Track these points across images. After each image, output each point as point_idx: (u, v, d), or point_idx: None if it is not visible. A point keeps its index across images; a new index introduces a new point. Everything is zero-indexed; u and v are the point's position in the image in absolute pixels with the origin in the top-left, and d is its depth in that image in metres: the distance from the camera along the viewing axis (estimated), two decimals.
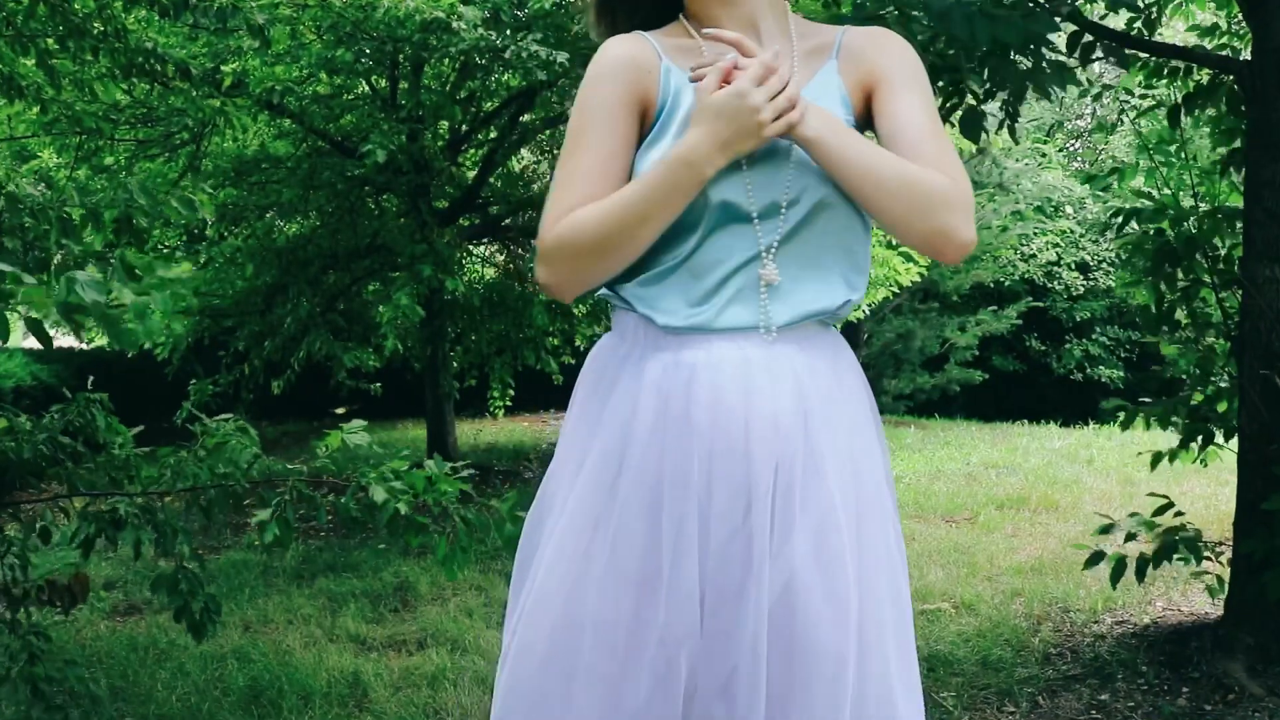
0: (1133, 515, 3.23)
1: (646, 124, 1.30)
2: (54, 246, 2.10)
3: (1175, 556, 3.05)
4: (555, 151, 7.60)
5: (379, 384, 8.13)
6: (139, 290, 1.63)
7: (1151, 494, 3.34)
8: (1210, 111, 3.37)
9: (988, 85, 2.82)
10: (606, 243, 1.23)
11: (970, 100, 2.80)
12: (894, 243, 8.25)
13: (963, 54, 2.64)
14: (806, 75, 1.31)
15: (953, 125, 2.96)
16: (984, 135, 2.86)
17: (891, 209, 1.21)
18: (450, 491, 2.15)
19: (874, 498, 1.27)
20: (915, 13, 2.51)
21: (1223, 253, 3.38)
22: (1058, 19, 2.70)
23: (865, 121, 1.33)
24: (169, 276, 1.67)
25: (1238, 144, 3.29)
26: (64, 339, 10.82)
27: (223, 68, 5.32)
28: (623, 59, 1.29)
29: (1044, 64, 2.65)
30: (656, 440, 1.22)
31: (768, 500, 1.19)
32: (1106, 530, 3.18)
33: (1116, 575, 3.08)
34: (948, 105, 2.85)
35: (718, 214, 1.24)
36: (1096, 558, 3.10)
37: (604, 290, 1.32)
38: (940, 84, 2.78)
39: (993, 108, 3.02)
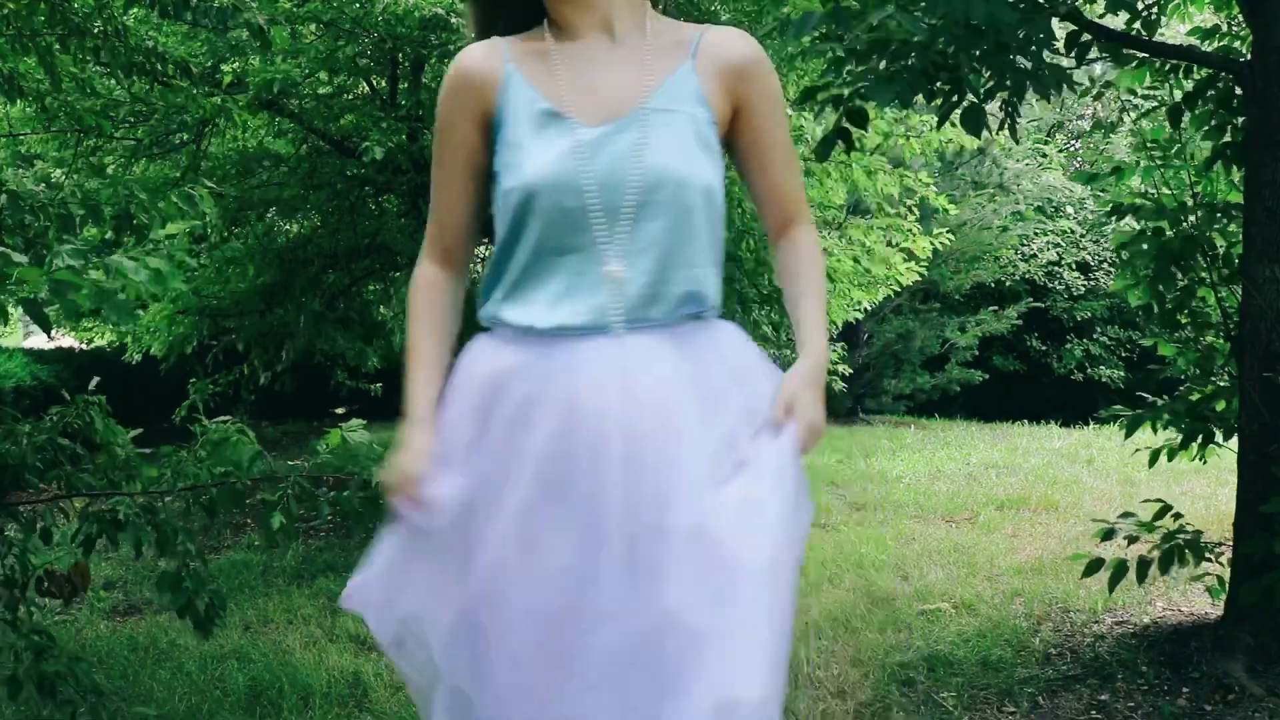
0: (1126, 515, 3.23)
1: (489, 131, 1.35)
2: (54, 243, 2.10)
3: (1177, 563, 3.05)
4: None
5: (379, 384, 8.13)
6: (139, 260, 1.63)
7: (1147, 500, 3.34)
8: (1205, 108, 3.37)
9: (988, 84, 2.82)
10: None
11: (971, 98, 2.80)
12: (894, 242, 8.25)
13: (963, 54, 2.64)
14: (662, 73, 1.33)
15: (954, 124, 2.96)
16: (984, 134, 2.87)
17: None
18: None
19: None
20: (916, 12, 2.51)
21: (1222, 252, 3.38)
22: (1055, 19, 2.71)
23: (727, 126, 1.38)
24: (164, 268, 1.67)
25: (1228, 138, 3.29)
26: (64, 339, 10.82)
27: (223, 66, 5.32)
28: (459, 75, 1.35)
29: (1043, 65, 2.65)
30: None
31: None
32: (1107, 536, 3.18)
33: (1115, 580, 3.08)
34: (948, 104, 2.85)
35: None
36: (1095, 565, 3.09)
37: None
38: (940, 83, 2.78)
39: (992, 107, 3.02)
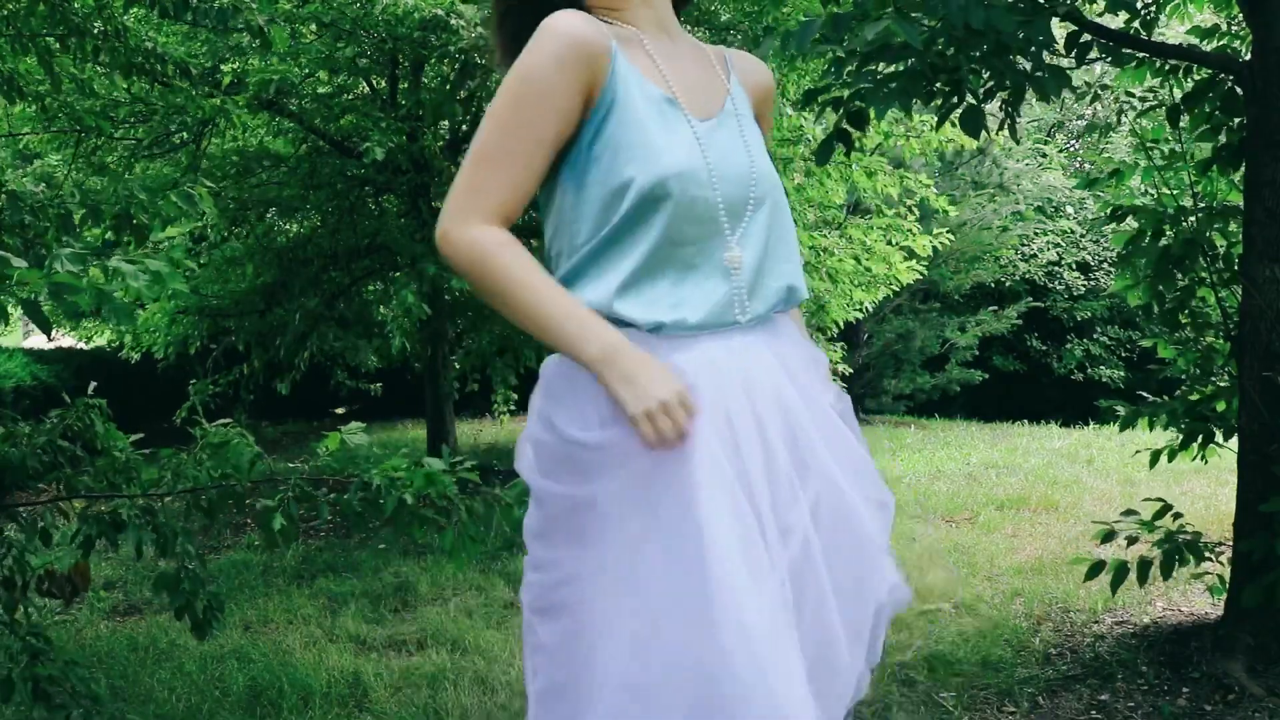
0: (1129, 513, 3.23)
1: (589, 108, 1.27)
2: (54, 244, 2.10)
3: (1177, 564, 3.05)
4: None
5: (379, 384, 8.13)
6: (138, 264, 1.63)
7: (1148, 499, 3.34)
8: (1203, 109, 3.37)
9: (988, 84, 2.82)
10: (501, 308, 1.25)
11: (970, 100, 2.80)
12: (894, 241, 8.25)
13: (963, 55, 2.64)
14: (725, 78, 1.41)
15: (953, 124, 2.96)
16: (985, 135, 2.87)
17: None
18: (448, 482, 2.15)
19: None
20: (915, 14, 2.51)
21: (1222, 252, 3.38)
22: (1055, 18, 2.70)
23: None
24: (163, 270, 1.67)
25: (1223, 139, 3.29)
26: (65, 339, 10.82)
27: (222, 67, 5.32)
28: (574, 40, 1.23)
29: (1043, 66, 2.65)
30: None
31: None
32: (1108, 538, 3.18)
33: (1117, 582, 3.09)
34: (947, 105, 2.85)
35: None
36: (1097, 568, 3.09)
37: None
38: (939, 84, 2.78)
39: (992, 107, 3.02)
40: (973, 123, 2.74)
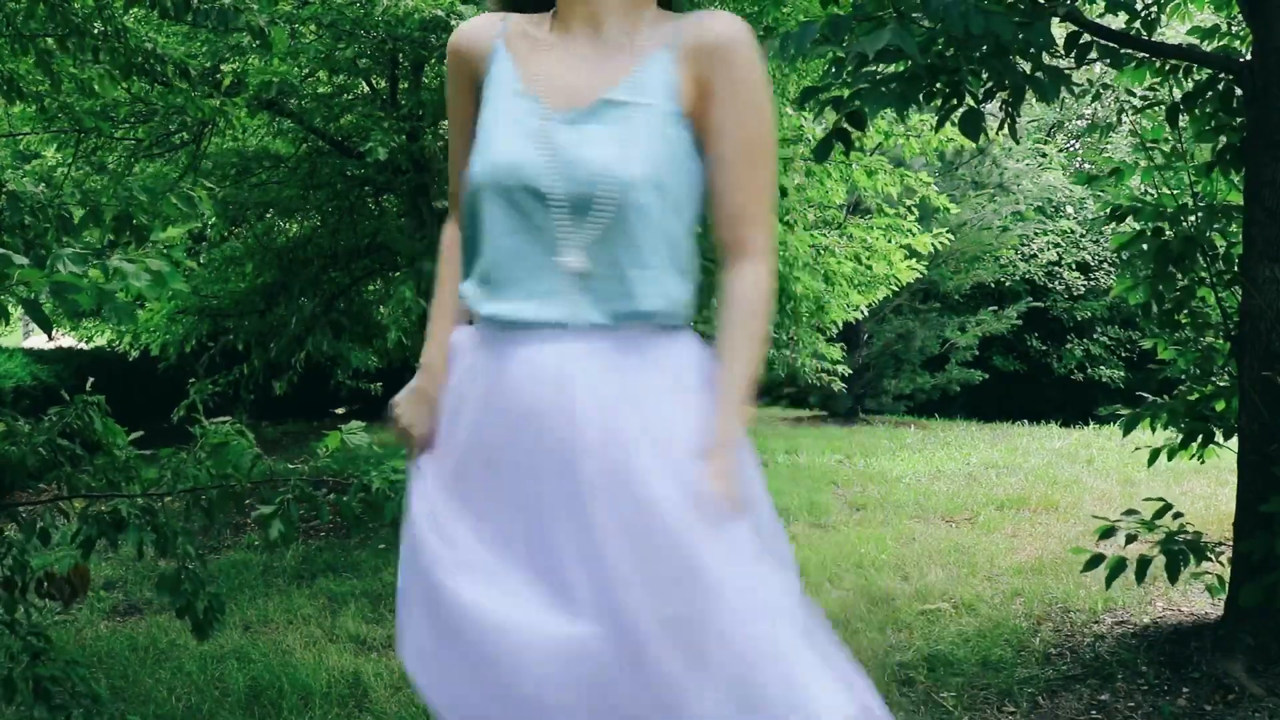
0: (1130, 513, 3.23)
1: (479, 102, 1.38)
2: (54, 244, 2.10)
3: (1181, 565, 3.05)
4: None
5: (379, 384, 8.12)
6: (138, 264, 1.63)
7: (1148, 499, 3.34)
8: (1204, 110, 3.38)
9: (988, 85, 2.82)
10: None
11: (970, 102, 2.80)
12: (894, 240, 8.25)
13: (962, 56, 2.64)
14: (635, 64, 1.28)
15: (953, 123, 2.95)
16: (984, 135, 2.86)
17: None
18: None
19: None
20: (915, 15, 2.51)
21: (1222, 252, 3.38)
22: (1055, 18, 2.70)
23: (697, 115, 1.28)
24: (164, 270, 1.67)
25: (1224, 140, 3.29)
26: (65, 339, 10.82)
27: (222, 67, 5.31)
28: (455, 46, 1.39)
29: (1042, 67, 2.65)
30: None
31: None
32: (1107, 534, 3.18)
33: (1112, 577, 3.09)
34: (946, 106, 2.85)
35: None
36: (1096, 560, 3.10)
37: None
38: (939, 85, 2.78)
39: (992, 107, 3.02)
40: (972, 125, 2.74)
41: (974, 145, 10.06)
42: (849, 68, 2.65)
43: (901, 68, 2.72)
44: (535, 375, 1.22)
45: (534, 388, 1.22)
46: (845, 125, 2.87)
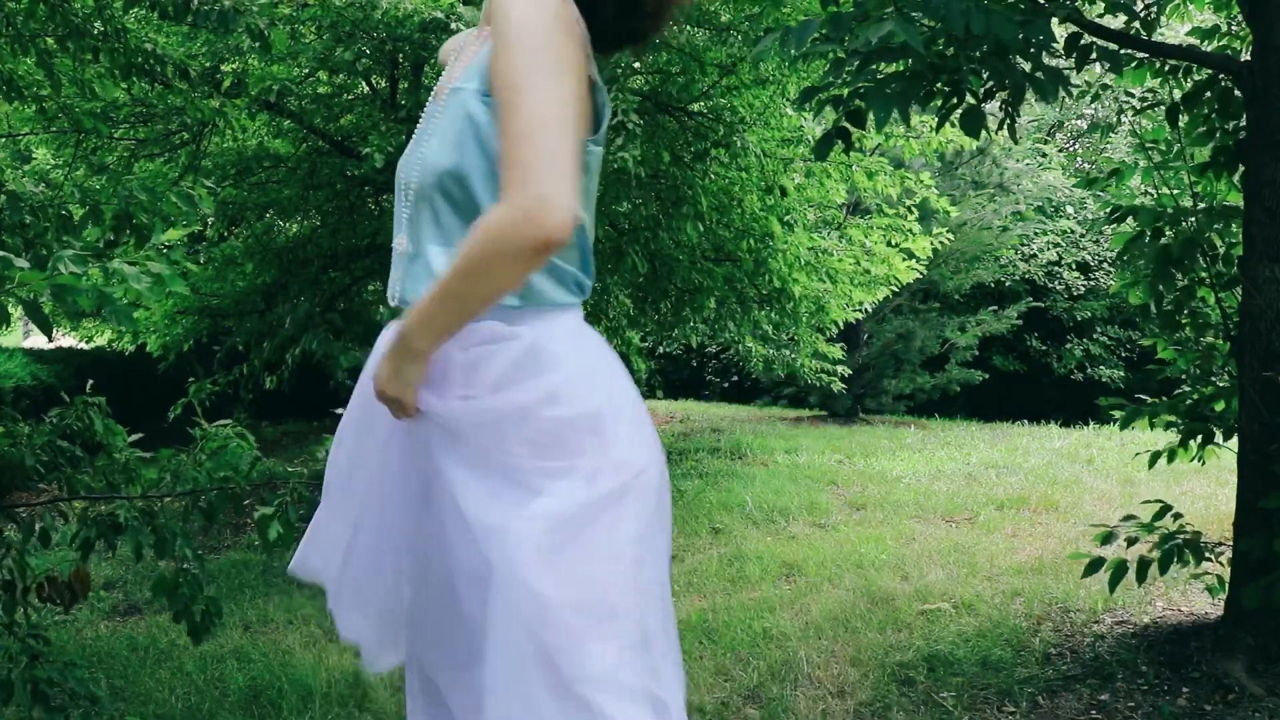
0: (1129, 519, 3.23)
1: None
2: (54, 244, 2.10)
3: (1177, 562, 3.05)
4: None
5: None
6: (139, 265, 1.63)
7: (1146, 501, 3.34)
8: (1202, 111, 3.38)
9: (988, 84, 2.82)
10: None
11: (970, 101, 2.80)
12: (894, 241, 8.25)
13: (962, 55, 2.64)
14: (473, 52, 1.35)
15: (953, 124, 2.95)
16: (985, 135, 2.86)
17: (488, 280, 1.17)
18: None
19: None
20: (915, 13, 2.51)
21: (1221, 252, 3.38)
22: (1055, 18, 2.70)
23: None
24: (164, 272, 1.67)
25: (1217, 141, 3.29)
26: (65, 339, 10.82)
27: (222, 67, 5.31)
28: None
29: (1042, 67, 2.65)
30: None
31: None
32: (1107, 540, 3.18)
33: (1115, 580, 3.08)
34: (947, 105, 2.84)
35: None
36: (1096, 565, 3.09)
37: None
38: (940, 84, 2.78)
39: (992, 107, 3.01)
40: (973, 123, 2.73)
41: (974, 145, 10.07)
42: (850, 66, 2.65)
43: (902, 66, 2.71)
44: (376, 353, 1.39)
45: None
46: (845, 124, 2.87)
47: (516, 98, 1.16)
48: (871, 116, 2.68)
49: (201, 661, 3.28)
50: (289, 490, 2.19)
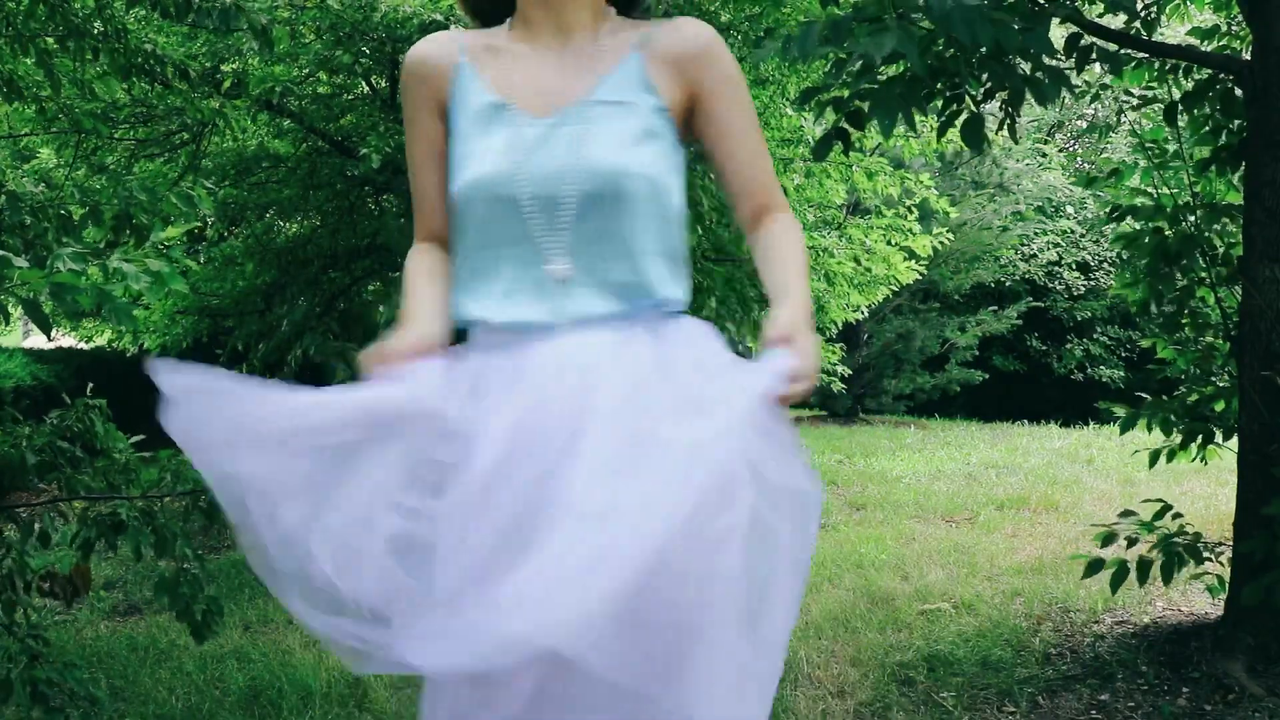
0: (1127, 514, 3.23)
1: (447, 124, 1.36)
2: (54, 244, 2.10)
3: (1177, 568, 3.05)
4: None
5: None
6: (138, 264, 1.63)
7: (1147, 500, 3.34)
8: (1202, 111, 3.37)
9: (987, 85, 2.82)
10: None
11: (970, 106, 2.80)
12: (894, 241, 8.25)
13: (962, 60, 2.64)
14: (610, 66, 1.33)
15: (955, 127, 2.95)
16: (984, 134, 2.86)
17: None
18: None
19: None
20: (915, 14, 2.51)
21: (1221, 252, 3.38)
22: (1055, 19, 2.70)
23: (683, 114, 1.36)
24: (164, 270, 1.67)
25: (1222, 141, 3.29)
26: (65, 339, 10.81)
27: (223, 67, 5.31)
28: (413, 66, 1.36)
29: (1042, 70, 2.64)
30: None
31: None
32: (1108, 541, 3.18)
33: (1117, 581, 3.08)
34: (947, 113, 2.84)
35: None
36: (1096, 566, 3.10)
37: None
38: (939, 87, 2.77)
39: (992, 107, 3.01)
40: (974, 134, 2.73)
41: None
42: (852, 67, 2.65)
43: (902, 68, 2.71)
44: (560, 363, 1.21)
45: (559, 374, 1.20)
46: (845, 125, 2.87)
47: (761, 137, 1.40)
48: (875, 121, 2.67)
49: (201, 661, 3.28)
50: None
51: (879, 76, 2.71)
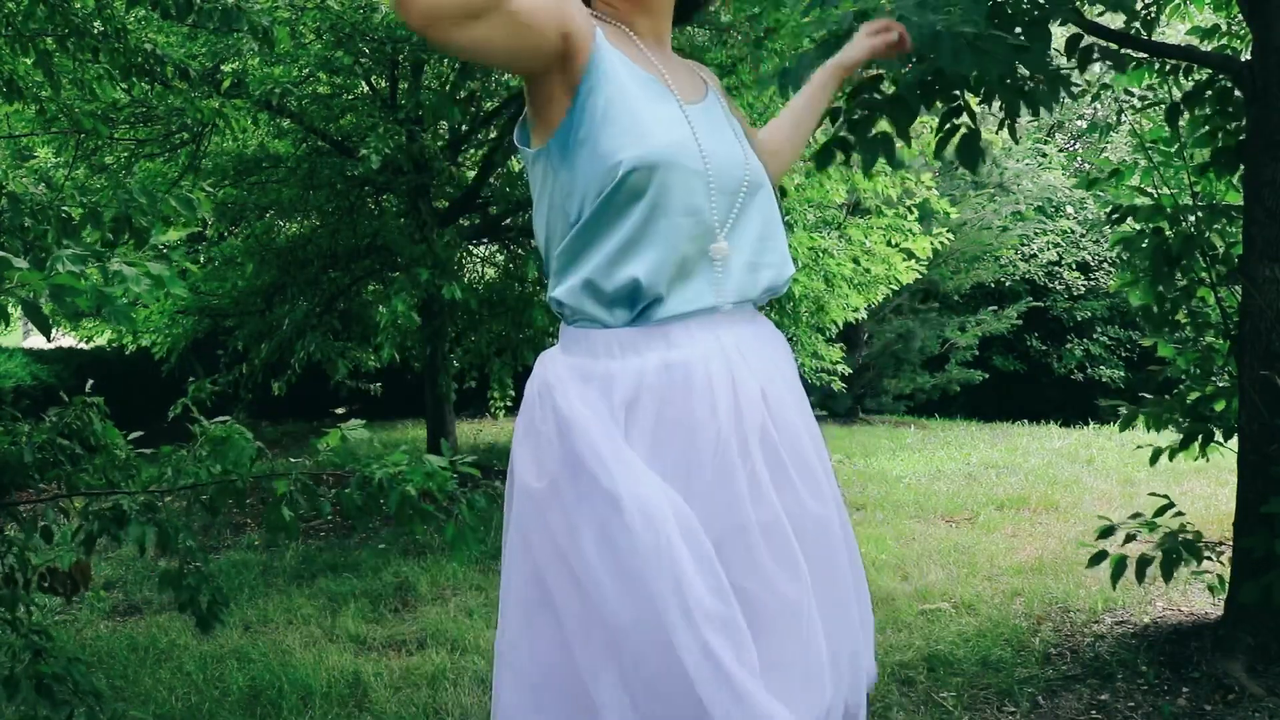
0: (1134, 516, 3.24)
1: (573, 82, 1.23)
2: (54, 246, 2.10)
3: (1179, 563, 3.05)
4: None
5: (379, 384, 8.13)
6: (138, 267, 1.63)
7: (1152, 494, 3.34)
8: (1202, 111, 3.38)
9: (982, 95, 2.81)
10: None
11: (969, 122, 2.79)
12: (894, 241, 8.25)
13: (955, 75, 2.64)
14: (699, 80, 1.44)
15: (952, 134, 2.94)
16: (983, 134, 2.86)
17: None
18: (448, 477, 2.16)
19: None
20: (914, 17, 2.51)
21: (1221, 252, 3.39)
22: (1055, 20, 2.70)
23: None
24: (163, 273, 1.67)
25: (1221, 143, 3.29)
26: (64, 339, 10.81)
27: (223, 67, 5.32)
28: (576, 7, 1.23)
29: (1043, 71, 2.64)
30: None
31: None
32: (1106, 534, 3.18)
33: (1116, 575, 3.09)
34: (944, 129, 2.84)
35: None
36: (1100, 557, 3.10)
37: None
38: (936, 100, 2.78)
39: (993, 107, 3.00)
40: (970, 153, 2.73)
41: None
42: (845, 90, 2.69)
43: (904, 74, 2.71)
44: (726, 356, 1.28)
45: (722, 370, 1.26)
46: (845, 134, 2.88)
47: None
48: (859, 157, 2.76)
49: (201, 661, 3.28)
50: (291, 479, 2.20)
51: (878, 95, 2.73)
